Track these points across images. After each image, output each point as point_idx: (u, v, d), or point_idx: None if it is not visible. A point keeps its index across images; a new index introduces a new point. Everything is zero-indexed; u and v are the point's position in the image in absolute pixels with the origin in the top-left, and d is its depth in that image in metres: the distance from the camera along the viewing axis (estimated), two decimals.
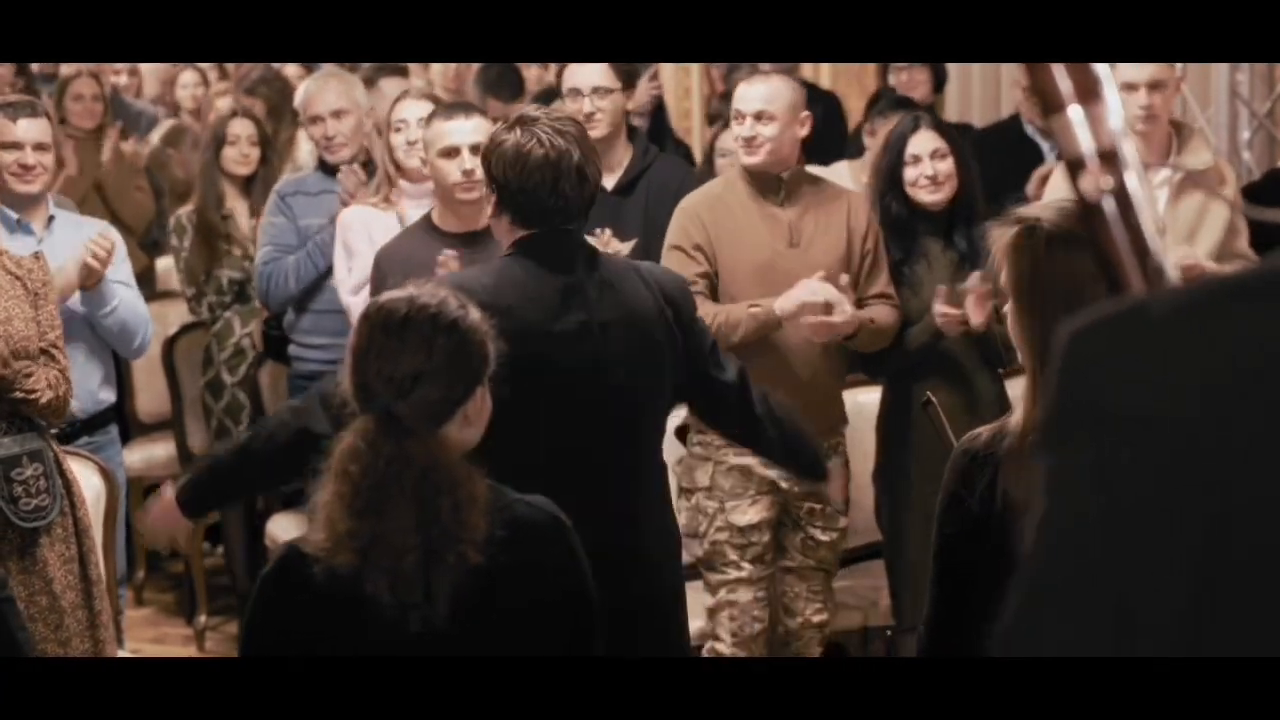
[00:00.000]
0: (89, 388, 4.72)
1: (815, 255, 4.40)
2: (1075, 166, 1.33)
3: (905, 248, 4.58)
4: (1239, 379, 1.14)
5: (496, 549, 2.46)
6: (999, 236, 2.68)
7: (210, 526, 6.03)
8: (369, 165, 5.14)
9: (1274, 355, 1.14)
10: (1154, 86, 4.63)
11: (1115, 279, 1.34)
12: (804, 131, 4.51)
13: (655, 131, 6.30)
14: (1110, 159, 1.33)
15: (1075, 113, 1.33)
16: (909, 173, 4.59)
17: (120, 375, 5.39)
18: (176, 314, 6.21)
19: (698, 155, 7.01)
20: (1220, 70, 6.68)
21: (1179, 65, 4.72)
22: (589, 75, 4.82)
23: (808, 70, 8.02)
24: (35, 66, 8.21)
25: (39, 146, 4.64)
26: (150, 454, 6.27)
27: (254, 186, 5.78)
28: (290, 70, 7.68)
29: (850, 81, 7.59)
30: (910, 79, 6.55)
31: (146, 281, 6.03)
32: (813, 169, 4.90)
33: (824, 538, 4.55)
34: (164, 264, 6.76)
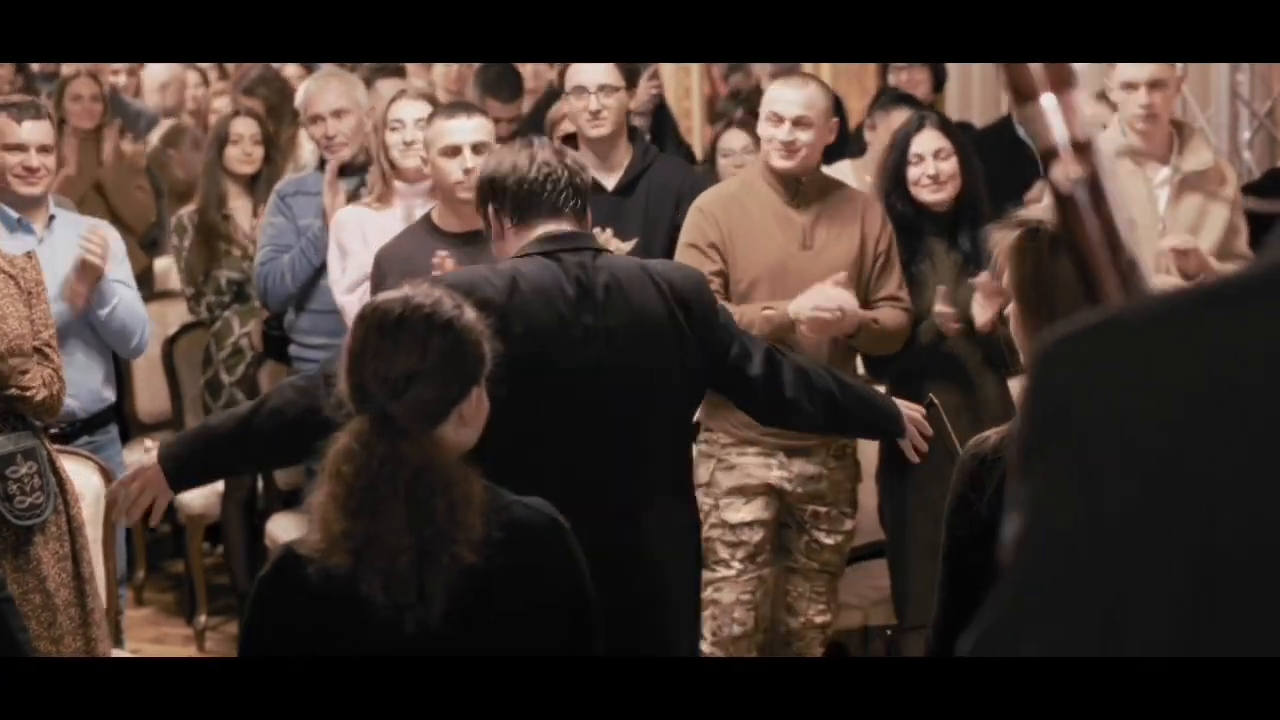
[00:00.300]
0: (89, 387, 4.73)
1: (828, 258, 4.41)
2: (1048, 157, 1.33)
3: (910, 247, 4.58)
4: (1217, 387, 1.14)
5: (493, 550, 2.46)
6: (1001, 239, 2.68)
7: (210, 526, 6.03)
8: (366, 166, 5.13)
9: (1252, 362, 1.14)
10: (1154, 85, 4.63)
11: (1087, 271, 1.33)
12: (831, 137, 4.54)
13: (657, 131, 6.30)
14: (1083, 149, 1.32)
15: (1048, 102, 1.32)
16: (912, 172, 4.59)
17: (120, 375, 5.39)
18: (176, 314, 6.21)
19: (698, 155, 7.01)
20: (1220, 70, 6.68)
21: (1179, 65, 4.72)
22: (595, 73, 4.81)
23: (807, 70, 8.02)
24: (35, 66, 8.22)
25: (43, 148, 4.65)
26: (150, 453, 6.25)
27: (257, 185, 5.78)
28: (290, 70, 7.67)
29: (850, 81, 7.60)
30: (910, 79, 6.55)
31: (145, 282, 6.03)
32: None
33: (829, 541, 4.55)
34: (162, 264, 6.76)
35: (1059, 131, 1.32)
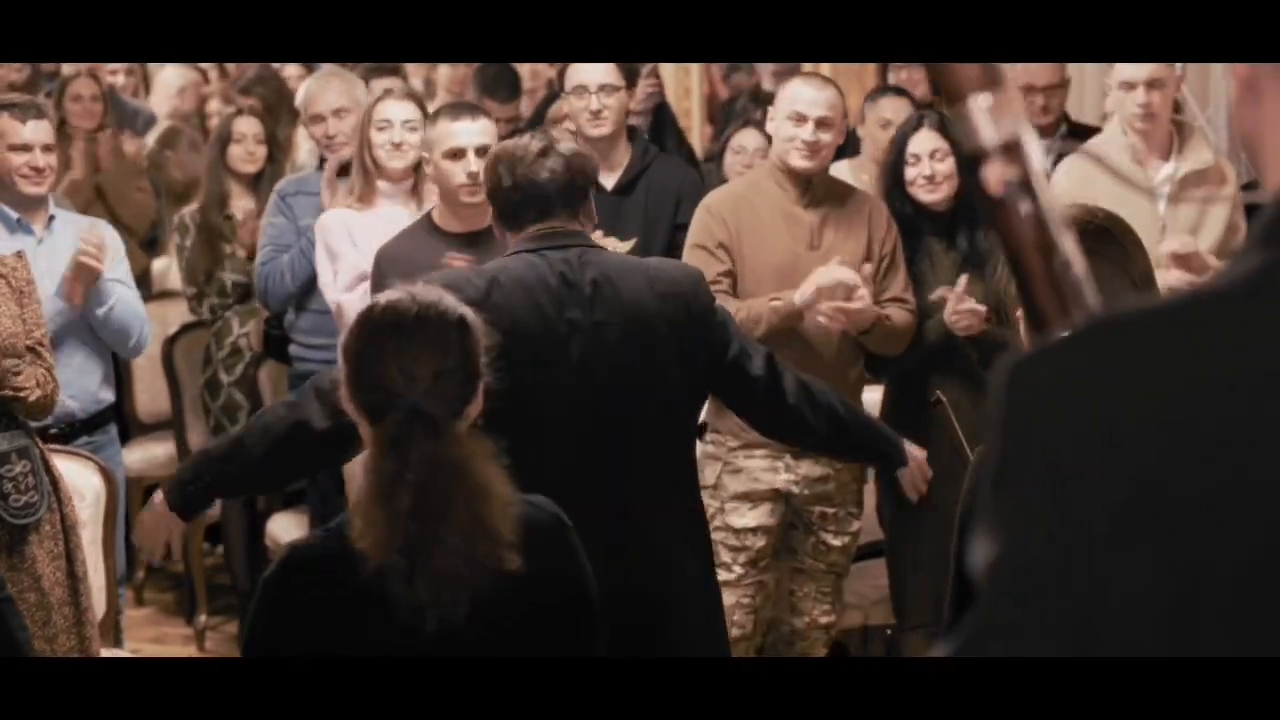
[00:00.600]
0: (89, 388, 4.73)
1: (835, 259, 4.41)
2: (977, 158, 1.32)
3: (909, 246, 4.59)
4: (1191, 398, 1.13)
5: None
6: None
7: (210, 526, 6.03)
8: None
9: (1226, 372, 1.13)
10: (1152, 85, 4.63)
11: (1019, 272, 1.32)
12: (842, 139, 4.58)
13: (657, 131, 6.30)
14: (1013, 150, 1.30)
15: (977, 102, 1.32)
16: (909, 172, 4.60)
17: (120, 375, 5.39)
18: (176, 314, 6.21)
19: (699, 155, 7.00)
20: (1220, 70, 6.68)
21: (1179, 65, 4.72)
22: (596, 73, 4.81)
23: (808, 70, 8.00)
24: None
25: (46, 148, 4.66)
26: (150, 454, 6.26)
27: (260, 185, 5.77)
28: (290, 70, 7.66)
29: (850, 81, 7.57)
30: (910, 79, 6.55)
31: (144, 282, 6.03)
32: None
33: (836, 542, 4.55)
34: (161, 264, 6.75)
35: (987, 132, 1.31)
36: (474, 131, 4.37)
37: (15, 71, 7.61)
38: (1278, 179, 1.20)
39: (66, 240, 4.68)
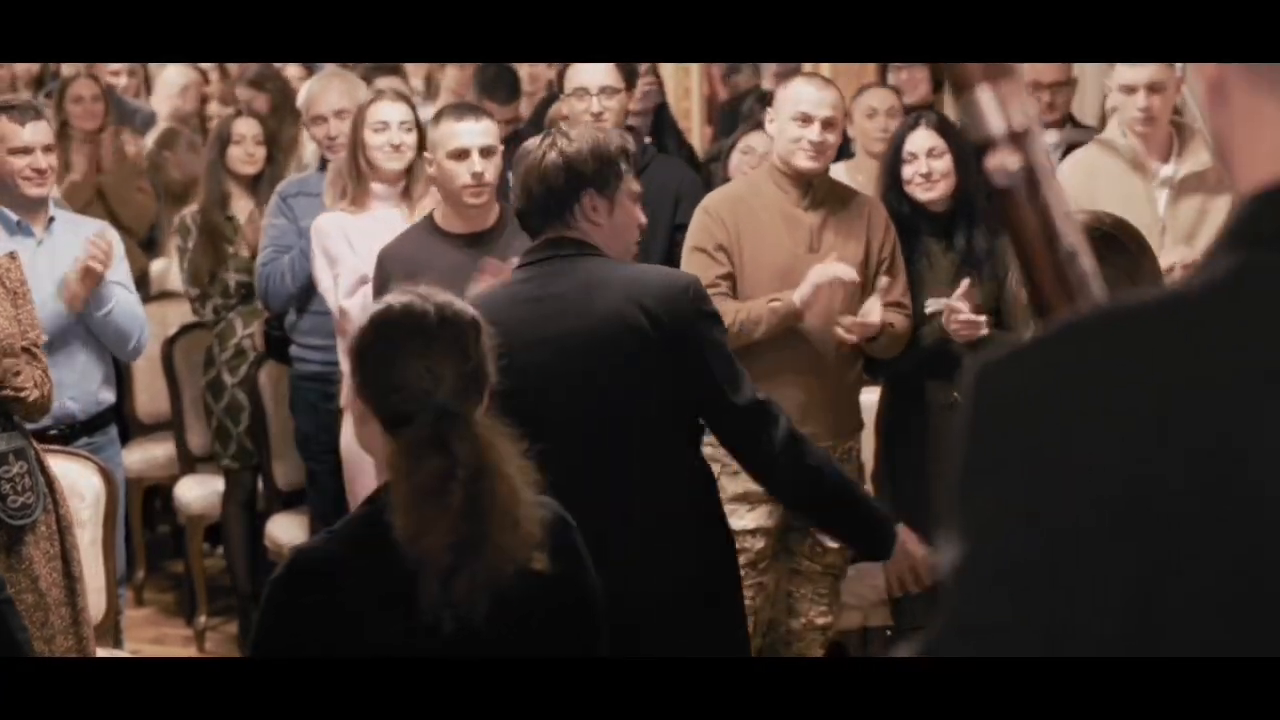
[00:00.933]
0: (89, 388, 4.73)
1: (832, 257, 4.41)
2: (984, 147, 1.32)
3: (907, 247, 4.59)
4: (1165, 396, 1.13)
5: None
6: None
7: (210, 526, 6.03)
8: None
9: (1202, 370, 1.13)
10: (1153, 89, 4.63)
11: (1024, 262, 1.32)
12: (840, 140, 4.61)
13: (658, 132, 6.29)
14: (1019, 140, 1.31)
15: (985, 92, 1.32)
16: (906, 170, 4.61)
17: (120, 376, 5.39)
18: (176, 314, 6.21)
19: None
20: None
21: (1179, 65, 4.72)
22: (597, 75, 4.80)
23: (808, 70, 8.00)
24: (34, 66, 8.22)
25: (47, 149, 4.66)
26: (150, 454, 6.26)
27: (260, 185, 5.76)
28: (291, 70, 7.66)
29: (850, 81, 7.57)
30: (910, 79, 6.55)
31: (142, 283, 6.03)
32: None
33: (832, 544, 4.54)
34: (161, 265, 6.75)
35: (995, 122, 1.31)
36: (478, 132, 4.36)
37: (11, 74, 7.61)
38: (1246, 180, 1.20)
39: (66, 242, 4.69)
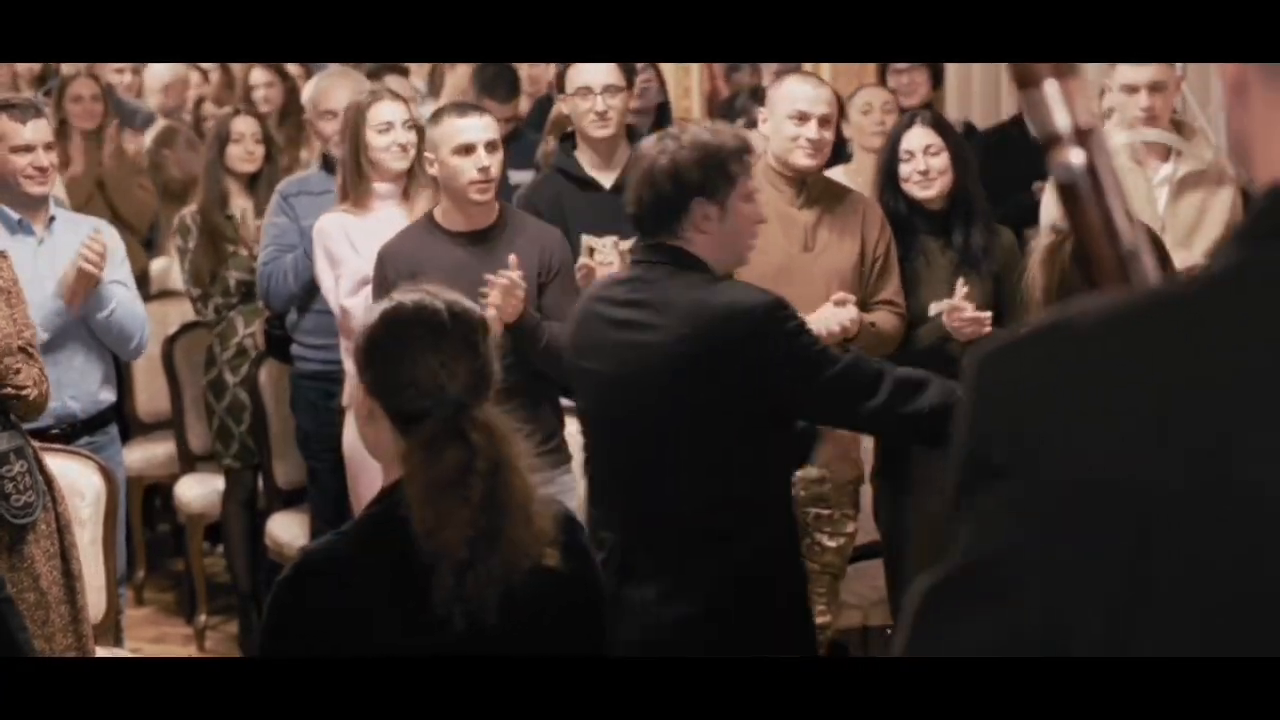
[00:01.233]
0: (89, 388, 4.73)
1: (829, 260, 4.40)
2: (1049, 144, 1.32)
3: (904, 245, 4.58)
4: (1163, 392, 1.13)
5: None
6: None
7: (210, 526, 6.03)
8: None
9: (1199, 367, 1.13)
10: (1154, 88, 4.63)
11: (1087, 259, 1.32)
12: (834, 138, 4.59)
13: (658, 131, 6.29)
14: (1084, 137, 1.31)
15: (1051, 89, 1.32)
16: (903, 169, 4.60)
17: (120, 375, 5.38)
18: (176, 314, 6.21)
19: None
20: (1221, 70, 6.67)
21: (1179, 65, 4.72)
22: (600, 74, 4.80)
23: (808, 69, 8.00)
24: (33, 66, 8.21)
25: (48, 146, 4.66)
26: (150, 454, 6.26)
27: (259, 184, 5.76)
28: (291, 70, 7.66)
29: (850, 81, 7.57)
30: (911, 82, 6.56)
31: (142, 282, 6.02)
32: None
33: (831, 544, 4.54)
34: (161, 264, 6.75)
35: (1061, 119, 1.32)
36: (482, 127, 4.35)
37: (13, 71, 7.61)
38: (1266, 178, 1.20)
39: (67, 240, 4.69)
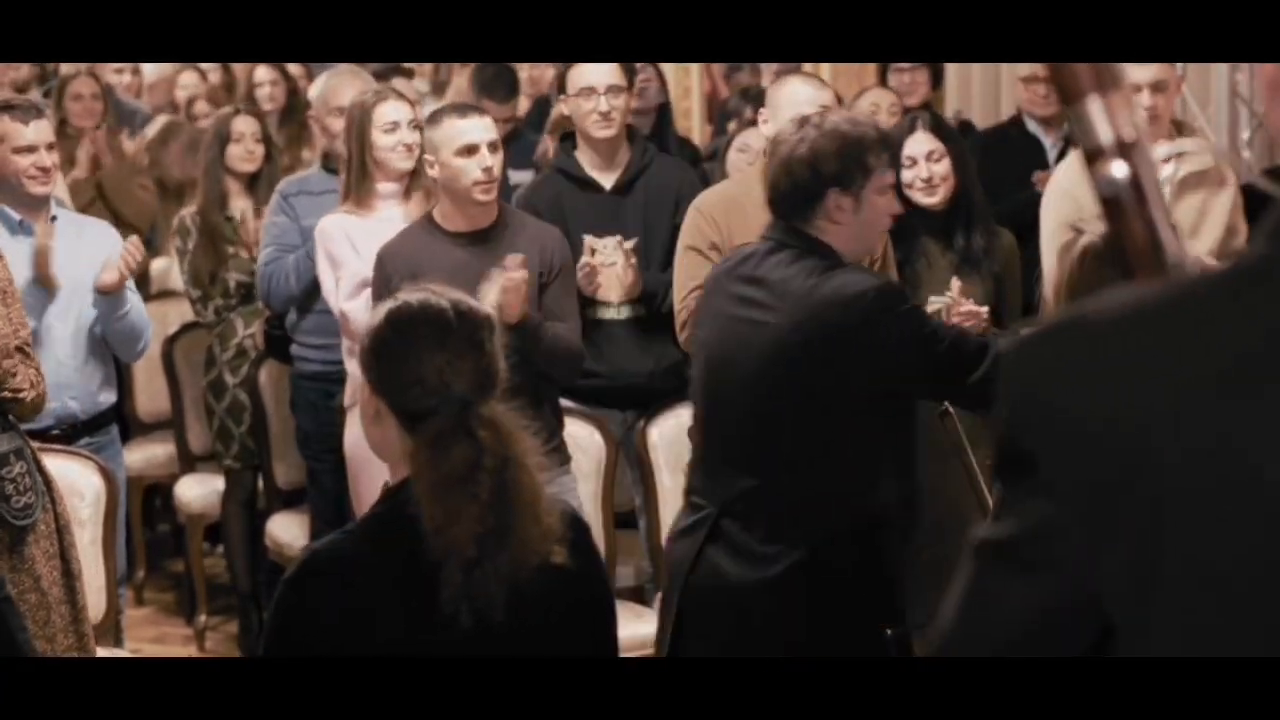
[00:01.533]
0: (89, 388, 4.73)
1: None
2: (1092, 157, 1.33)
3: (905, 247, 4.58)
4: (1183, 385, 1.14)
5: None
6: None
7: (210, 526, 6.03)
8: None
9: (1220, 359, 1.14)
10: (1156, 88, 4.63)
11: (1131, 273, 1.33)
12: None
13: (660, 131, 6.29)
14: (1127, 150, 1.32)
15: (1094, 102, 1.32)
16: (905, 175, 4.59)
17: (120, 376, 5.38)
18: (176, 314, 6.21)
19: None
20: (1220, 70, 6.68)
21: (1179, 65, 4.72)
22: (603, 74, 4.79)
23: (807, 69, 8.01)
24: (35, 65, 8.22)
25: (50, 147, 4.67)
26: (150, 454, 6.26)
27: (258, 184, 5.75)
28: (292, 70, 7.66)
29: (850, 81, 7.59)
30: (912, 81, 6.56)
31: (142, 283, 6.02)
32: None
33: None
34: (161, 264, 6.74)
35: (1104, 132, 1.32)
36: (483, 127, 4.34)
37: (13, 70, 7.61)
38: None
39: (68, 240, 4.69)
